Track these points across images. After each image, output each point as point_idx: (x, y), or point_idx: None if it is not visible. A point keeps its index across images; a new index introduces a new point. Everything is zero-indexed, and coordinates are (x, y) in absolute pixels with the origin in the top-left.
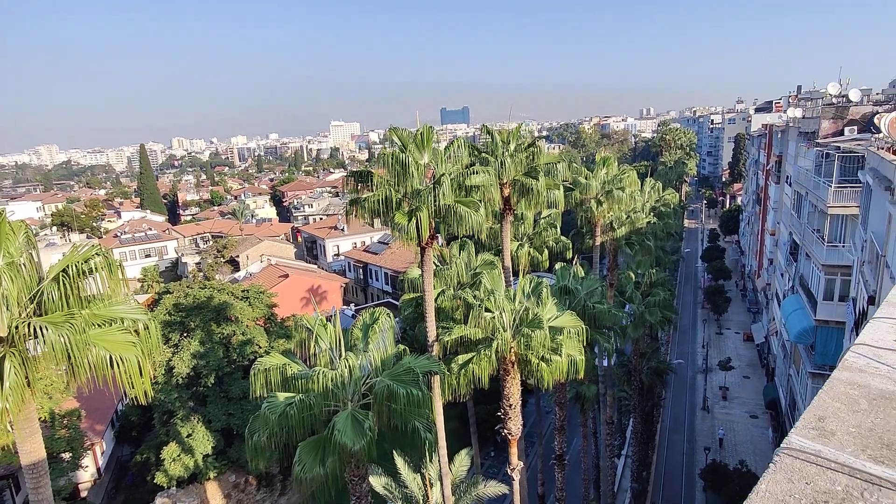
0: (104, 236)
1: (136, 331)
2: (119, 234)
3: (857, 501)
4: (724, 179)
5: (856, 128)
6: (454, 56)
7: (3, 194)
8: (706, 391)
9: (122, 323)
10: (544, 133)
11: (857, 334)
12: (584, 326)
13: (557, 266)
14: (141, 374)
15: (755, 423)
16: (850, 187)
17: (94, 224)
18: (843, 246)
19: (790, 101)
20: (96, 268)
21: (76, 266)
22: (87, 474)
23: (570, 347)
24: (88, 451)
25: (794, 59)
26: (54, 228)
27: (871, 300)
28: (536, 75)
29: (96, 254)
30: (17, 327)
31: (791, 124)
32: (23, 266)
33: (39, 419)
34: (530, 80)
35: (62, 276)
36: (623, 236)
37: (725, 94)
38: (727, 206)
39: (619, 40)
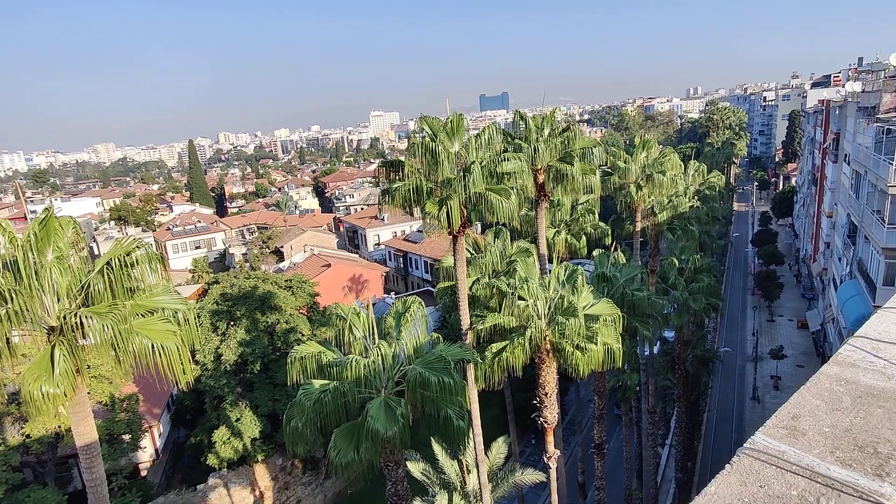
0: (157, 229)
1: (177, 320)
2: (171, 226)
3: None
4: (776, 160)
5: None
6: (493, 42)
7: (66, 191)
8: (756, 380)
9: (164, 312)
10: (586, 117)
11: None
12: (620, 314)
13: (596, 253)
14: (182, 362)
15: None
16: None
17: (149, 218)
18: None
19: (850, 74)
20: (138, 260)
21: (118, 259)
22: (146, 455)
23: (607, 336)
24: (147, 433)
25: (855, 30)
26: (112, 223)
27: None
28: (578, 58)
29: (137, 247)
30: (65, 318)
31: (850, 99)
32: (72, 259)
33: (100, 403)
34: (571, 63)
35: (106, 268)
36: (665, 221)
37: (779, 69)
38: (780, 187)
39: (665, 18)
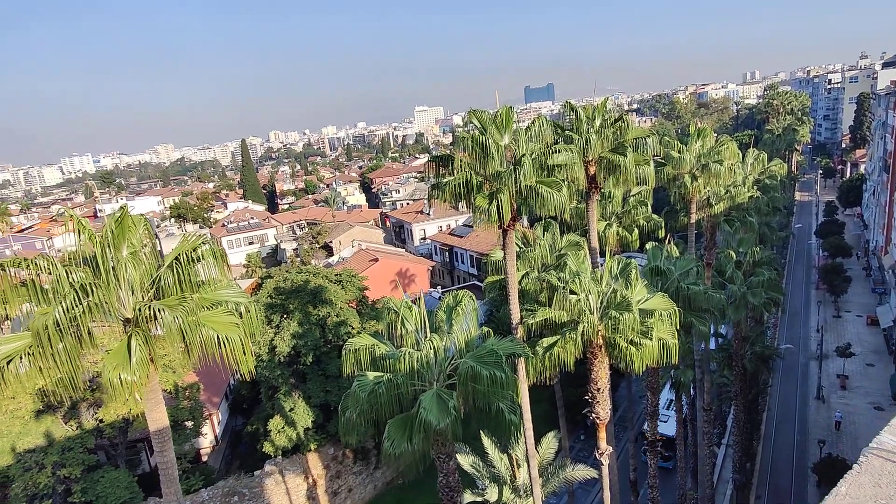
0: (213, 226)
1: (238, 313)
2: (226, 223)
3: None
4: (843, 146)
5: None
6: (537, 32)
7: (130, 191)
8: (821, 379)
9: (227, 306)
10: (634, 106)
11: None
12: (676, 309)
13: (649, 246)
14: (244, 353)
15: (880, 416)
16: None
17: (205, 215)
18: None
19: None
20: (203, 256)
21: (186, 254)
22: (206, 441)
23: (662, 331)
24: (207, 421)
25: None
26: (172, 220)
27: None
28: (624, 46)
29: (203, 243)
30: (139, 309)
31: None
32: (144, 255)
33: (164, 391)
34: (618, 51)
35: (175, 263)
36: (721, 213)
37: (846, 49)
38: (847, 175)
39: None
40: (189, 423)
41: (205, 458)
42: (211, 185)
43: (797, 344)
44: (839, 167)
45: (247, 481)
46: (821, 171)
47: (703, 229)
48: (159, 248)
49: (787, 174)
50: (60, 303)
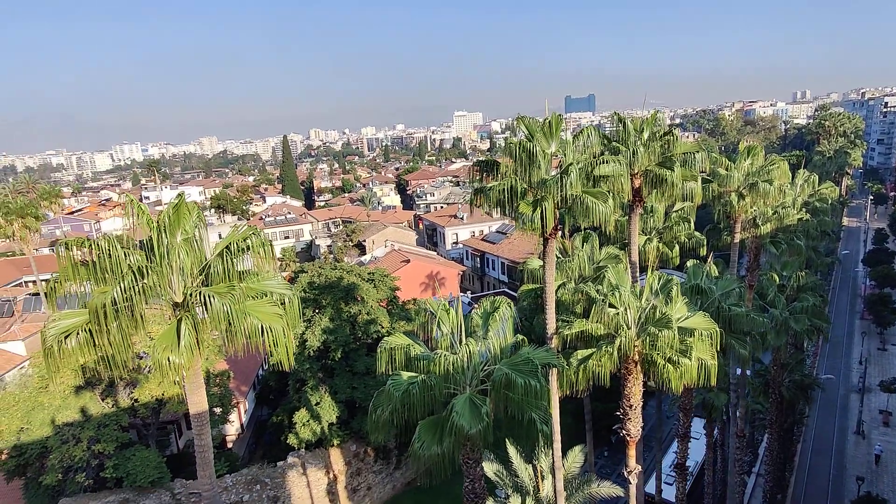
0: (251, 218)
1: (281, 303)
2: (263, 216)
3: None
4: None
5: None
6: (578, 43)
7: (174, 180)
8: (861, 413)
9: (271, 296)
10: (677, 121)
11: None
12: (717, 329)
13: (689, 263)
14: (286, 343)
15: None
16: None
17: (244, 207)
18: None
19: None
20: (252, 246)
21: (236, 244)
22: (233, 428)
23: (702, 351)
24: (235, 409)
25: None
26: (212, 210)
27: None
28: (666, 60)
29: (252, 234)
30: (190, 294)
31: None
32: (195, 242)
33: None
34: (660, 65)
35: (225, 252)
36: (768, 234)
37: None
38: None
39: (769, 14)
40: (218, 410)
41: (230, 445)
42: (251, 178)
43: (838, 375)
44: (892, 193)
45: (269, 471)
46: (871, 197)
47: (746, 249)
48: (204, 237)
49: (836, 198)
50: (118, 283)
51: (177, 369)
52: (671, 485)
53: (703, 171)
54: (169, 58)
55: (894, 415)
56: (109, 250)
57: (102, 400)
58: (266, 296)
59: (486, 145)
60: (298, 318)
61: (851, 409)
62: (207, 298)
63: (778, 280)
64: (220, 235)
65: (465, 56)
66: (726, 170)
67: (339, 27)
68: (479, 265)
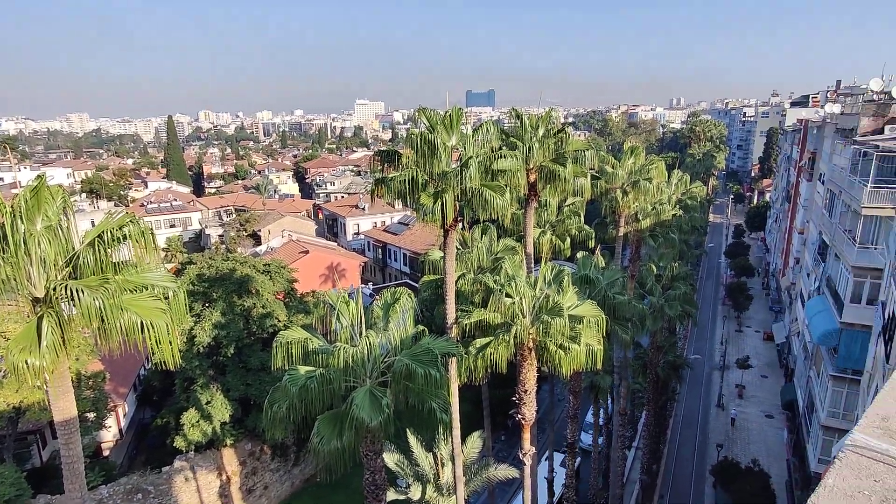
0: (131, 205)
1: (165, 297)
2: (145, 203)
3: None
4: (753, 174)
5: None
6: (481, 39)
7: (36, 160)
8: (722, 388)
9: (153, 290)
10: (570, 120)
11: (886, 339)
12: (604, 316)
13: (579, 255)
14: (170, 341)
15: (770, 423)
16: (888, 188)
17: (122, 192)
18: (876, 248)
19: (828, 96)
20: (129, 235)
21: (111, 232)
22: (109, 434)
23: (589, 337)
24: (112, 413)
25: (836, 54)
26: (83, 195)
27: None
28: (564, 62)
29: (130, 221)
30: (54, 289)
31: (828, 120)
32: (59, 230)
33: None
34: (558, 66)
35: (97, 241)
36: (647, 228)
37: (760, 86)
38: (755, 201)
39: (651, 31)
40: (91, 415)
41: (106, 453)
42: (130, 161)
43: (703, 355)
44: (748, 194)
45: (153, 478)
46: (732, 196)
47: (629, 242)
48: (72, 225)
49: (705, 196)
50: None
51: (38, 373)
52: (563, 464)
53: (592, 169)
54: (33, 17)
55: (747, 388)
56: None
57: None
58: (146, 289)
59: (388, 135)
60: (185, 313)
61: (714, 385)
62: (76, 293)
63: (655, 270)
64: (92, 223)
65: (368, 44)
66: (612, 168)
67: (231, 4)
68: (381, 256)
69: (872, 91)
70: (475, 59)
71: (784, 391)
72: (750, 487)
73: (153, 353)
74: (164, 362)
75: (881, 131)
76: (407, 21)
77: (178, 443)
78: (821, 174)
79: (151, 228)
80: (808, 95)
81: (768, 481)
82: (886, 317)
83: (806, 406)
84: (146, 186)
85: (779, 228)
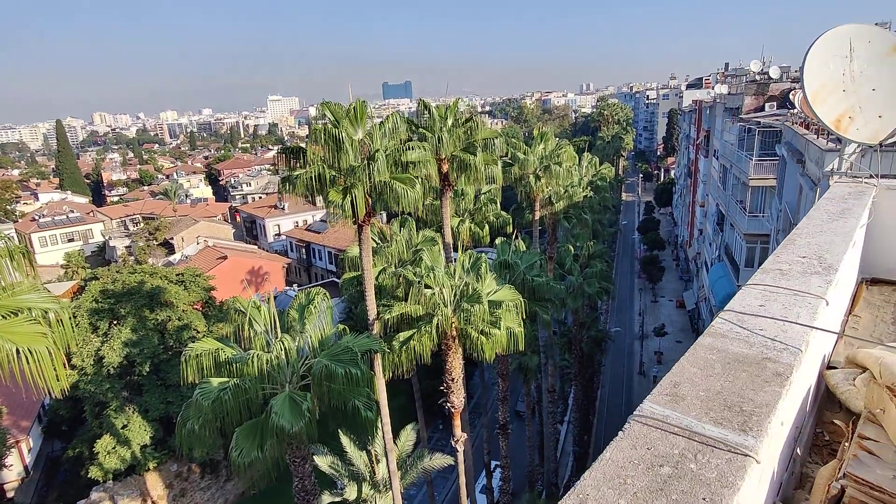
0: (20, 220)
1: (47, 321)
2: (37, 217)
3: (689, 463)
4: (658, 153)
5: (775, 104)
6: (396, 29)
7: None
8: (642, 356)
9: (30, 313)
10: (487, 108)
11: None
12: (522, 299)
13: (498, 241)
14: (54, 367)
15: None
16: (769, 160)
17: (8, 207)
18: (763, 216)
19: (718, 78)
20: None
21: None
22: (13, 473)
23: (510, 320)
24: (13, 449)
25: (725, 37)
26: None
27: None
28: (480, 49)
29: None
30: None
31: (718, 100)
32: None
33: None
34: (474, 54)
35: None
36: (561, 210)
37: (661, 70)
38: (661, 179)
39: (561, 16)
40: None
41: (11, 494)
42: (16, 171)
43: (624, 327)
44: (655, 172)
45: None
46: (641, 175)
47: (545, 225)
48: None
49: (615, 177)
50: None
51: None
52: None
53: (503, 156)
54: None
55: (665, 353)
56: None
57: None
58: (22, 312)
59: (304, 131)
60: (73, 336)
61: (635, 354)
62: None
63: (573, 250)
64: None
65: (278, 36)
66: (524, 154)
67: None
68: (305, 256)
69: (753, 72)
70: (391, 51)
71: None
72: None
73: (36, 383)
74: (52, 391)
75: (762, 108)
76: (316, 9)
77: (94, 472)
78: (715, 150)
79: (25, 246)
80: (702, 78)
81: None
82: None
83: None
84: (37, 199)
85: (683, 203)
